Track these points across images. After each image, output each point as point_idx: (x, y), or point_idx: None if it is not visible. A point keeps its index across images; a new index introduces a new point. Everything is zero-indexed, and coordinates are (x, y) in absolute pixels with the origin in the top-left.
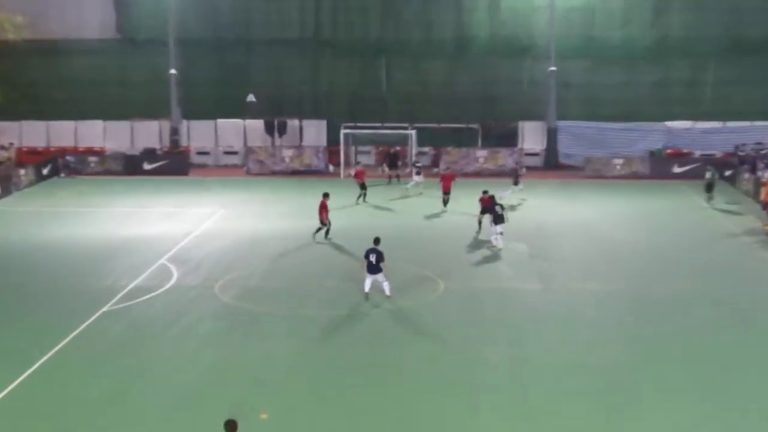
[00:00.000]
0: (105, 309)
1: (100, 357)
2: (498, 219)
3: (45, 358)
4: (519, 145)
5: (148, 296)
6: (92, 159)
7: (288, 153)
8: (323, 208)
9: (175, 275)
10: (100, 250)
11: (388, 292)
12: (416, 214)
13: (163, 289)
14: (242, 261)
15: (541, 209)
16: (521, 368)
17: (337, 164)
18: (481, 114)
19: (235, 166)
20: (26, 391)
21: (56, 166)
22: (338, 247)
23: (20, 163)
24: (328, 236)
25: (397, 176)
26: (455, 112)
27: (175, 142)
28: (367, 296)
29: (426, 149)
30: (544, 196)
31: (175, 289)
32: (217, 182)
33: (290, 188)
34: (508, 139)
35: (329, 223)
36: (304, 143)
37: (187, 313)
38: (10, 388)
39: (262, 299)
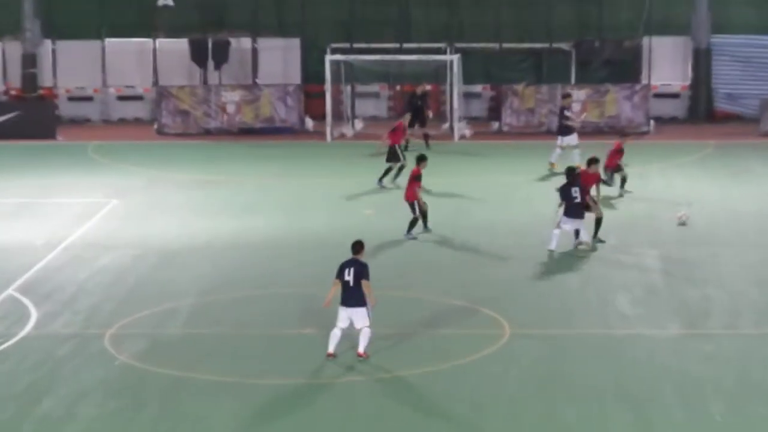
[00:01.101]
0: None
1: None
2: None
3: None
4: (644, 80)
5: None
6: None
7: (232, 98)
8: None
9: (33, 317)
10: None
11: (362, 348)
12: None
13: (11, 342)
14: (151, 292)
15: (684, 194)
16: None
17: (319, 117)
18: (578, 26)
19: (137, 121)
20: None
21: None
22: (326, 265)
23: None
24: (427, 227)
25: (425, 138)
26: (529, 24)
27: (30, 81)
28: (332, 355)
29: (479, 88)
30: (690, 170)
31: (33, 341)
32: (105, 150)
33: (237, 160)
34: (625, 68)
35: (423, 205)
36: (260, 80)
37: (55, 386)
38: None
39: (187, 358)
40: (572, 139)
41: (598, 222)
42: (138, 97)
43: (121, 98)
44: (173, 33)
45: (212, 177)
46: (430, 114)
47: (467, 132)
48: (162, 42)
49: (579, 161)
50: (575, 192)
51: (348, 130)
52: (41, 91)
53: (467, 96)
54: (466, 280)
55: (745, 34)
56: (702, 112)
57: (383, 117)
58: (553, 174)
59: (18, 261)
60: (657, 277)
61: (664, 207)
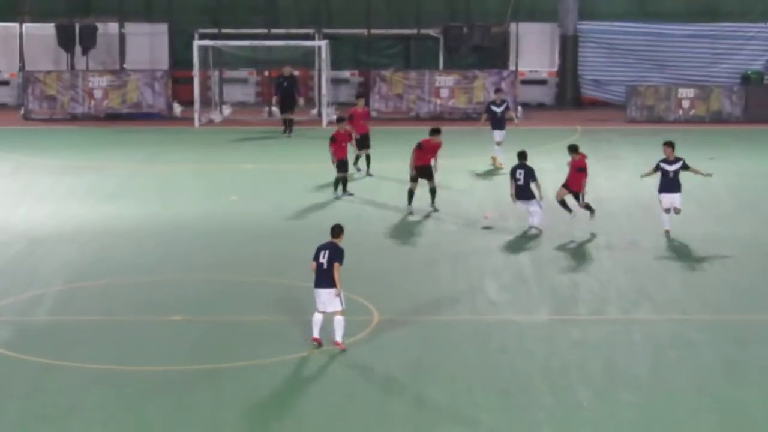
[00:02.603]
0: None
1: None
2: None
3: None
4: (512, 66)
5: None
6: None
7: (100, 83)
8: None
9: None
10: None
11: (338, 337)
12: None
13: None
14: (17, 279)
15: (549, 182)
16: None
17: (186, 103)
18: (446, 12)
19: (3, 106)
20: None
21: None
22: (193, 251)
23: None
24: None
25: (289, 123)
26: (398, 10)
27: None
28: (317, 341)
29: (348, 74)
30: (558, 156)
31: None
32: None
33: (105, 146)
34: (493, 54)
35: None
36: (128, 65)
37: None
38: None
39: (55, 345)
40: (500, 134)
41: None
42: (4, 82)
43: None
44: (40, 17)
45: (79, 163)
46: (301, 100)
47: (335, 117)
48: (28, 26)
49: (501, 156)
50: (519, 174)
51: (216, 116)
52: None
53: (336, 81)
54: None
55: (611, 20)
56: (569, 99)
57: (251, 103)
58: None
59: None
60: (525, 263)
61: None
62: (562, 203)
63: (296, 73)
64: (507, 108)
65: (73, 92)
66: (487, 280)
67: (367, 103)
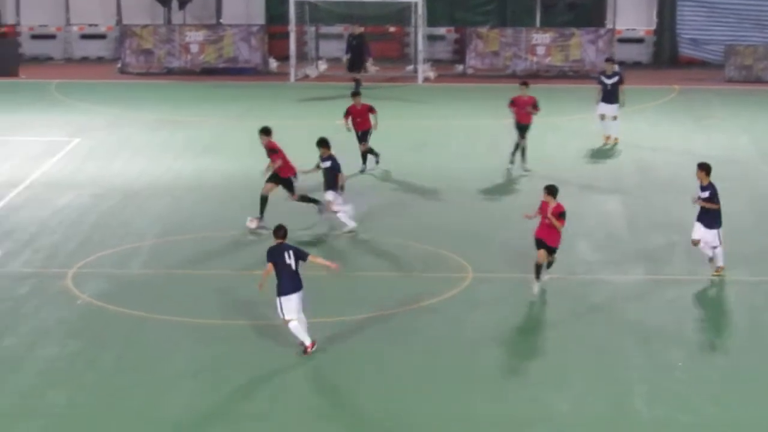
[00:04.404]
0: None
1: None
2: None
3: None
4: (608, 25)
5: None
6: None
7: (196, 37)
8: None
9: None
10: None
11: (308, 341)
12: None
13: None
14: (113, 232)
15: (646, 142)
16: None
17: (282, 58)
18: None
19: (100, 59)
20: None
21: None
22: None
23: None
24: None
25: (357, 83)
26: None
27: None
28: (307, 349)
29: (443, 30)
30: (654, 115)
31: None
32: (68, 89)
33: (200, 100)
34: (590, 12)
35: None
36: (224, 20)
37: (16, 325)
38: None
39: (148, 298)
40: (610, 108)
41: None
42: (101, 36)
43: (84, 37)
44: None
45: (174, 117)
46: (369, 61)
47: (431, 74)
48: None
49: (616, 133)
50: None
51: (312, 71)
52: (3, 29)
53: (431, 38)
54: (429, 224)
55: None
56: (666, 58)
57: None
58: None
59: None
60: (619, 223)
61: (627, 152)
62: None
63: (362, 29)
64: (620, 81)
65: (169, 46)
66: (580, 239)
67: (459, 61)
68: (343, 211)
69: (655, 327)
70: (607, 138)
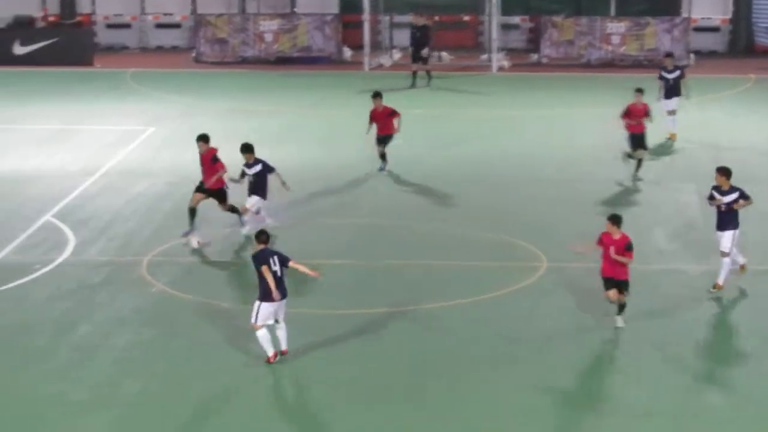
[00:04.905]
0: None
1: None
2: None
3: None
4: (684, 13)
5: (20, 281)
6: None
7: (270, 26)
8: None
9: (71, 244)
10: None
11: (284, 345)
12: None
13: (49, 268)
14: (185, 220)
15: (721, 132)
16: None
17: (356, 47)
18: None
19: (175, 49)
20: None
21: None
22: (360, 195)
23: None
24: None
25: (414, 74)
26: None
27: (68, 7)
28: (269, 359)
29: (518, 19)
30: (729, 104)
31: (70, 267)
32: (143, 78)
33: (274, 89)
34: (665, 1)
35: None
36: (298, 9)
37: (91, 312)
38: None
39: (225, 286)
40: (672, 103)
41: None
42: (176, 25)
43: (159, 26)
44: None
45: (248, 106)
46: (427, 51)
47: (505, 64)
48: None
49: (674, 129)
50: None
51: (386, 60)
52: (79, 18)
53: (506, 27)
54: (504, 213)
55: None
56: (742, 47)
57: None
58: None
59: (56, 187)
60: (694, 213)
61: (702, 141)
62: None
63: (428, 22)
64: (681, 75)
65: (243, 35)
66: (656, 229)
67: (533, 50)
68: (263, 218)
69: (731, 317)
70: (673, 135)
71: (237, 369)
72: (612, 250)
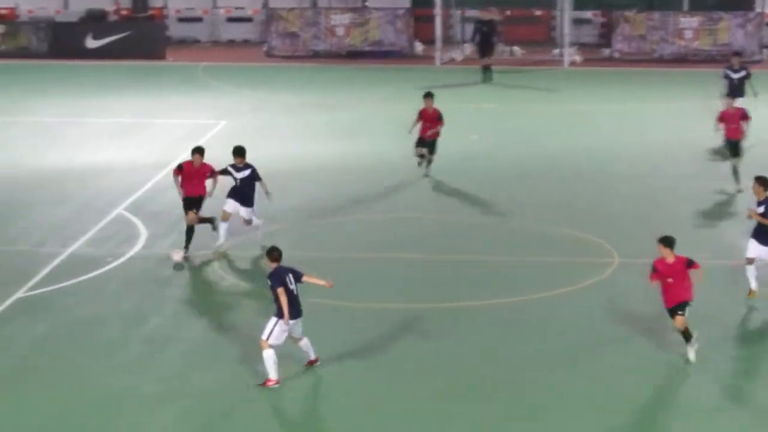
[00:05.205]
0: (19, 295)
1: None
2: None
3: None
4: (758, 8)
5: (93, 274)
6: None
7: (341, 20)
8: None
9: (143, 236)
10: (9, 191)
11: (312, 355)
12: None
13: (121, 260)
14: (259, 214)
15: None
16: None
17: (427, 41)
18: None
19: (246, 42)
20: None
21: None
22: (432, 189)
23: None
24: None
25: (486, 69)
26: None
27: (140, 1)
28: (266, 382)
29: (590, 14)
30: None
31: (141, 261)
32: (214, 71)
33: (346, 83)
34: None
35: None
36: (370, 3)
37: (160, 307)
38: None
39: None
40: (736, 103)
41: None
42: (247, 19)
43: (231, 19)
44: None
45: (319, 100)
46: (497, 43)
47: (577, 58)
48: None
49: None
50: None
51: (457, 55)
52: (151, 12)
53: (577, 22)
54: (576, 208)
55: None
56: None
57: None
58: None
59: (127, 181)
60: None
61: None
62: None
63: (495, 18)
64: (747, 75)
65: (315, 29)
66: (729, 223)
67: (605, 45)
68: (257, 225)
69: None
70: None
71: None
72: (670, 280)
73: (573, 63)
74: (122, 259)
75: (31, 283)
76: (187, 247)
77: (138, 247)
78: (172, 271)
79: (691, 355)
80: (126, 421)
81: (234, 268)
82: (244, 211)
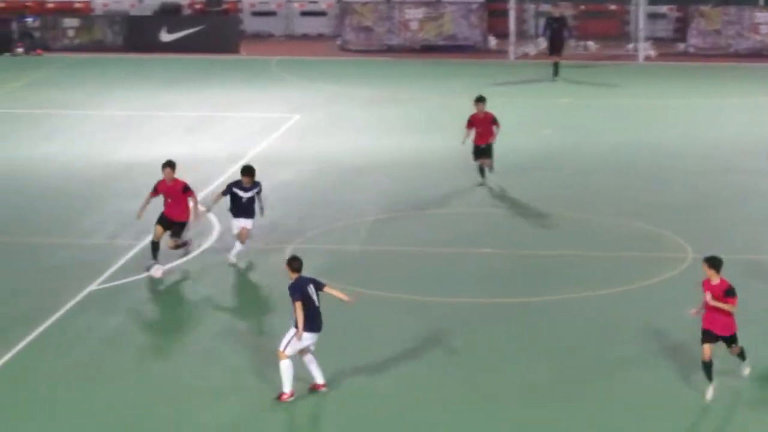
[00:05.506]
0: (92, 288)
1: (72, 376)
2: None
3: None
4: None
5: (166, 266)
6: (69, 23)
7: (415, 14)
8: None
9: (216, 229)
10: (84, 184)
11: (320, 379)
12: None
13: (195, 253)
14: (333, 207)
15: None
16: None
17: (501, 36)
18: None
19: (320, 36)
20: None
21: (7, 34)
22: (506, 184)
23: None
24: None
25: (555, 66)
26: None
27: None
28: (282, 396)
29: (665, 9)
30: None
31: (215, 254)
32: (288, 65)
33: (419, 78)
34: None
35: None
36: None
37: (232, 300)
38: None
39: (369, 274)
40: None
41: None
42: (321, 13)
43: (305, 14)
44: None
45: (394, 94)
46: (568, 39)
47: (652, 53)
48: None
49: None
50: None
51: (531, 49)
52: (225, 6)
53: (652, 16)
54: (649, 203)
55: None
56: None
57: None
58: None
59: (201, 174)
60: None
61: None
62: None
63: (565, 13)
64: None
65: (389, 23)
66: None
67: (680, 40)
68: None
69: None
70: None
71: (378, 358)
72: (708, 296)
73: (647, 58)
74: (196, 252)
75: (104, 276)
76: (155, 258)
77: (212, 240)
78: (246, 265)
79: (709, 394)
80: (198, 412)
81: (308, 261)
82: (247, 222)
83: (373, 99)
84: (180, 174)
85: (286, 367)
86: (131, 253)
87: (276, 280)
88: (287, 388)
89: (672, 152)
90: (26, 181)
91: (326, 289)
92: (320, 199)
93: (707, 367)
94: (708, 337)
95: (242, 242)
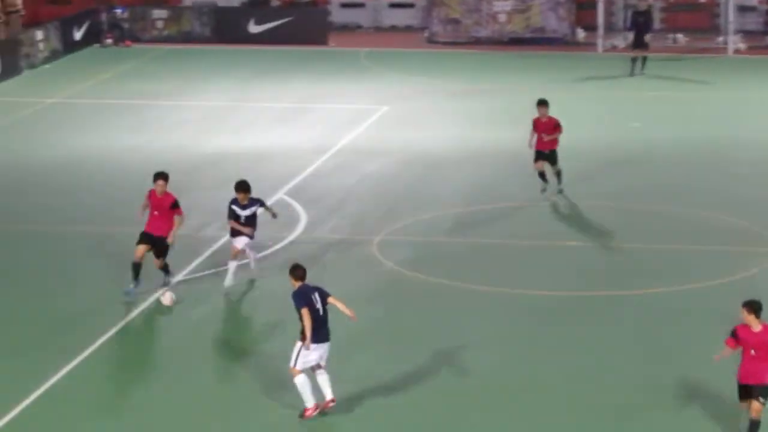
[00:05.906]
0: (178, 278)
1: (154, 370)
2: None
3: (67, 369)
4: None
5: (258, 255)
6: (158, 14)
7: (503, 7)
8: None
9: (303, 221)
10: (172, 175)
11: (329, 394)
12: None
13: (281, 244)
14: (420, 199)
15: None
16: None
17: (590, 28)
18: None
19: (408, 28)
20: None
21: (96, 25)
22: (593, 177)
23: (35, 21)
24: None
25: (642, 60)
26: None
27: None
28: (306, 411)
29: (755, 1)
30: None
31: (302, 245)
32: (376, 57)
33: (507, 70)
34: None
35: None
36: None
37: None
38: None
39: (455, 267)
40: None
41: None
42: (409, 5)
43: (393, 5)
44: None
45: (482, 86)
46: (650, 36)
47: (741, 46)
48: None
49: None
50: None
51: (619, 42)
52: None
53: (742, 9)
54: (737, 197)
55: None
56: None
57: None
58: None
59: (289, 165)
60: None
61: None
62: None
63: (651, 2)
64: None
65: (476, 16)
66: None
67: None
68: (251, 259)
69: None
70: None
71: (463, 350)
72: (752, 345)
73: (737, 51)
74: (282, 243)
75: (191, 267)
76: (136, 279)
77: (298, 231)
78: (332, 256)
79: None
80: (276, 408)
81: (394, 253)
82: (242, 241)
83: (460, 91)
84: (269, 166)
85: (301, 383)
86: (218, 245)
87: (360, 272)
88: (309, 403)
89: (763, 147)
90: (115, 172)
91: (331, 300)
92: (407, 191)
93: (753, 426)
94: (746, 392)
95: (233, 258)
